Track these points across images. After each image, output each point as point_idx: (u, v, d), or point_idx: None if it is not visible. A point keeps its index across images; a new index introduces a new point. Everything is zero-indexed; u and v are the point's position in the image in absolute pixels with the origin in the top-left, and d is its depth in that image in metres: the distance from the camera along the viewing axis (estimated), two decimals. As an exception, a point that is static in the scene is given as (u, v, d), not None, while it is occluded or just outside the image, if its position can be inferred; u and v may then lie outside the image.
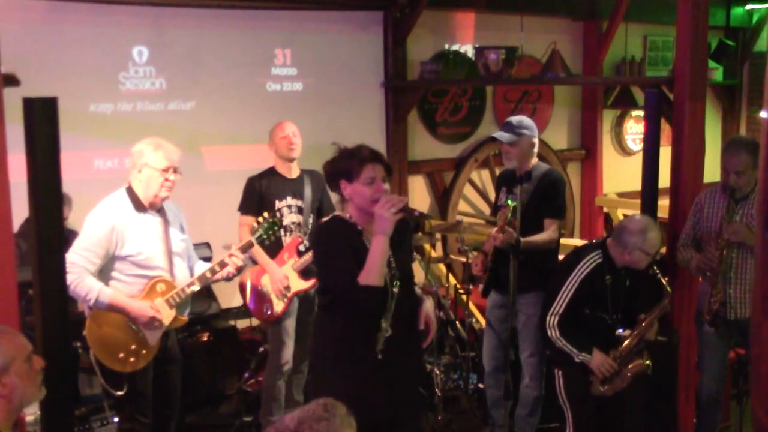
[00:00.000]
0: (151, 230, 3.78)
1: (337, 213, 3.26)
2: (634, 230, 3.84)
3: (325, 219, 3.40)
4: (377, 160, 3.07)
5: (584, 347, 3.85)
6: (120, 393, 3.71)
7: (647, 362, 3.92)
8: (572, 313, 3.86)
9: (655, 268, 3.95)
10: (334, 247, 3.09)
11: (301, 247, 4.69)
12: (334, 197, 4.68)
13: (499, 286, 4.46)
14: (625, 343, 3.89)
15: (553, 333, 3.86)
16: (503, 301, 4.46)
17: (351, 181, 3.06)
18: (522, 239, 4.00)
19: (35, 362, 2.60)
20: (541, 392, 4.49)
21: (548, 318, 3.88)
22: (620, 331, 3.92)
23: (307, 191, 4.73)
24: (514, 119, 4.46)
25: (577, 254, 4.02)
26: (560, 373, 3.99)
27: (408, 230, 3.36)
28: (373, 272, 2.97)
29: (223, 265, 3.89)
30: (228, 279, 3.97)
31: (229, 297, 5.63)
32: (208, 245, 5.42)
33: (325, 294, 3.18)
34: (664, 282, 3.97)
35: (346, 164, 3.07)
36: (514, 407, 4.52)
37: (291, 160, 4.72)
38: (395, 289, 3.08)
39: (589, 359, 3.84)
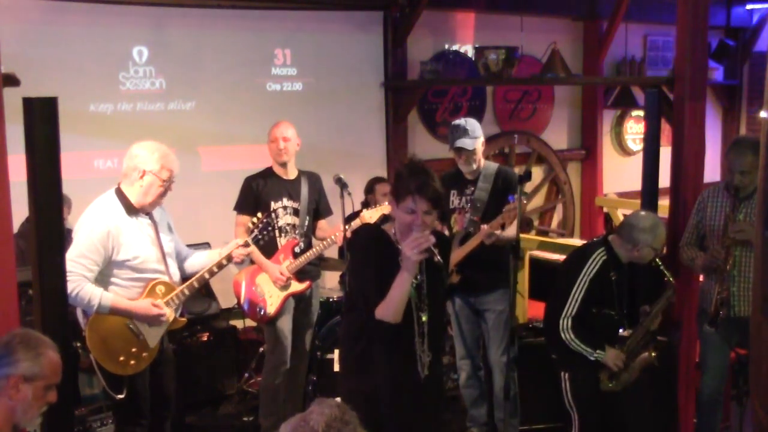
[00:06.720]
0: (143, 233, 3.75)
1: (386, 225, 3.21)
2: (645, 228, 3.83)
3: (371, 223, 3.34)
4: (422, 192, 2.97)
5: (598, 345, 3.84)
6: (120, 396, 3.70)
7: (653, 354, 3.93)
8: (581, 313, 3.86)
9: (657, 260, 3.95)
10: (367, 265, 3.07)
11: (297, 249, 4.67)
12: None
13: (465, 289, 4.46)
14: (632, 336, 3.90)
15: (568, 336, 3.83)
16: (469, 301, 4.51)
17: (397, 204, 3.05)
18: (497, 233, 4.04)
19: (50, 395, 2.61)
20: (516, 389, 4.41)
21: (561, 321, 3.83)
22: (620, 330, 3.92)
23: (304, 193, 4.70)
24: (465, 124, 4.38)
25: (581, 254, 3.99)
26: (567, 376, 3.96)
27: (447, 245, 3.32)
28: (391, 309, 2.96)
29: (221, 266, 3.89)
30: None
31: (229, 297, 5.61)
32: (208, 245, 5.41)
33: (351, 305, 3.19)
34: (667, 273, 3.98)
35: (397, 185, 3.05)
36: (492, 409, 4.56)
37: (281, 164, 4.69)
38: (423, 318, 3.06)
39: (604, 356, 3.84)
